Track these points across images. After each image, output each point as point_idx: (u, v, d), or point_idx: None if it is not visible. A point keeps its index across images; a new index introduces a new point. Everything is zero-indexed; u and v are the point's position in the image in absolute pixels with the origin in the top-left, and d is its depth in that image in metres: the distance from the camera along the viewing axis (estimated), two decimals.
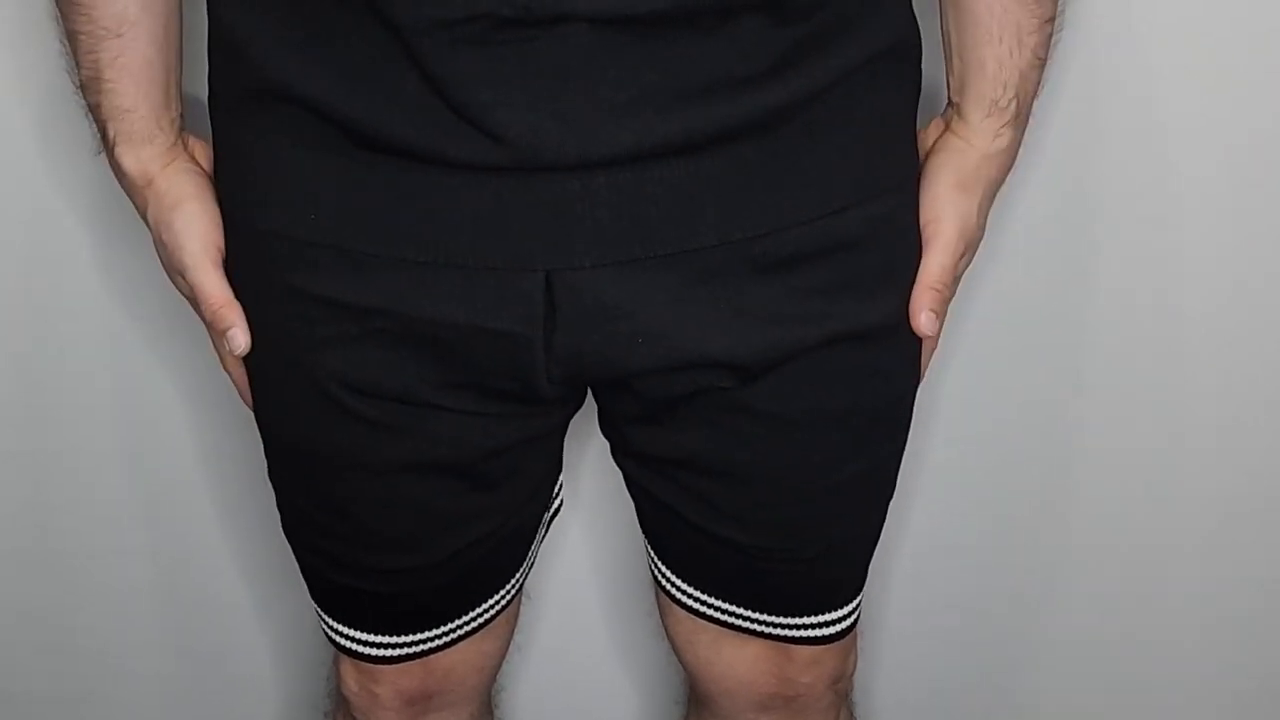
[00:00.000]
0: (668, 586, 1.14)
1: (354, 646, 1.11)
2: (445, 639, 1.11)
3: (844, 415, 1.01)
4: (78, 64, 0.98)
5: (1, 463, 1.38)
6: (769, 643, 1.12)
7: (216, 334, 1.00)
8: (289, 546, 1.11)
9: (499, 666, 1.21)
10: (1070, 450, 1.38)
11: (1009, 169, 1.04)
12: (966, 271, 1.05)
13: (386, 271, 0.91)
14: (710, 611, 1.12)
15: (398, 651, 1.10)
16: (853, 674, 1.19)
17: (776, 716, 1.16)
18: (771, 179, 0.91)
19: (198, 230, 0.98)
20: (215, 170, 1.00)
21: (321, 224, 0.92)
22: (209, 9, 0.95)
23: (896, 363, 1.03)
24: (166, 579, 1.45)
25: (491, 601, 1.12)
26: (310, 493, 1.05)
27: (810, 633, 1.11)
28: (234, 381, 1.05)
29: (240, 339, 0.98)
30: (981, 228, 1.03)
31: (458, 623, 1.10)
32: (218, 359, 1.04)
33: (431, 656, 1.11)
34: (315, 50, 0.88)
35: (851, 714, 1.24)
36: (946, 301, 1.01)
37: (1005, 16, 0.96)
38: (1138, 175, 1.24)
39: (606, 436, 1.08)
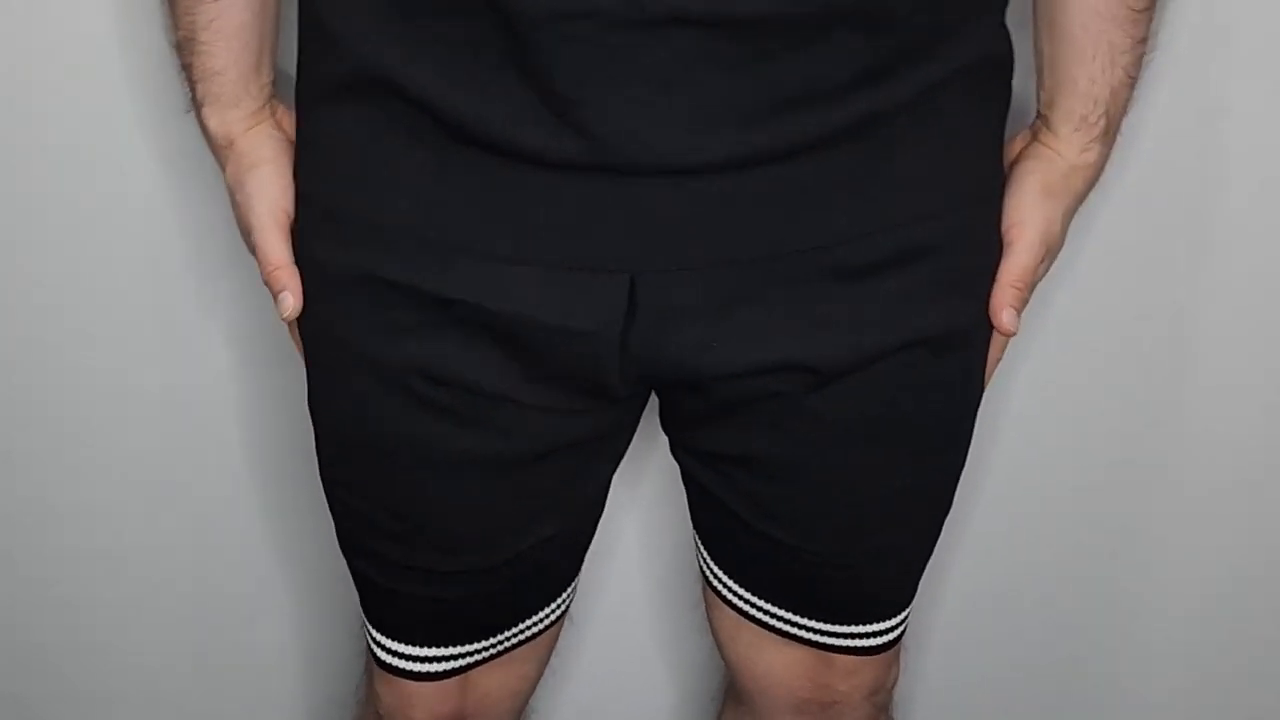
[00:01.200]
0: (714, 583, 1.15)
1: (396, 662, 1.11)
2: (492, 651, 1.11)
3: (908, 425, 1.01)
4: (174, 24, 0.98)
5: (34, 457, 1.37)
6: (810, 648, 1.12)
7: (271, 293, 1.00)
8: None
9: (533, 691, 1.21)
10: (1130, 472, 1.37)
11: (1094, 184, 1.04)
12: (1041, 283, 1.04)
13: (468, 264, 0.91)
14: (754, 612, 1.13)
15: (440, 667, 1.10)
16: (893, 687, 1.19)
17: None
18: (857, 186, 0.91)
19: (268, 193, 0.99)
20: (298, 155, 1.00)
21: (406, 212, 0.91)
22: None
23: (963, 375, 1.03)
24: (188, 585, 1.45)
25: (541, 615, 1.12)
26: (371, 491, 1.04)
27: (852, 642, 1.11)
28: (295, 339, 1.05)
29: (291, 302, 0.98)
30: (1062, 238, 1.03)
31: (508, 634, 1.10)
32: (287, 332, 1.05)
33: (472, 674, 1.11)
34: (412, 39, 0.87)
35: None
36: (1026, 301, 1.01)
37: (1100, 36, 0.96)
38: (1219, 193, 1.23)
39: (666, 432, 1.08)
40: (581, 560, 1.13)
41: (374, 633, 1.11)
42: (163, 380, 1.33)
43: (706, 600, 1.18)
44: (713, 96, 0.86)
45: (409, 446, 0.99)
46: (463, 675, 1.11)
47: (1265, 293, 1.27)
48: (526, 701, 1.21)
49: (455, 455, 0.99)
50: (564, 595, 1.13)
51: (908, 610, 1.13)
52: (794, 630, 1.11)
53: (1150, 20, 0.97)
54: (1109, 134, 1.01)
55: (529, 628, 1.12)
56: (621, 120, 0.85)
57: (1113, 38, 0.96)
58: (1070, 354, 1.30)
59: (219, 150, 1.02)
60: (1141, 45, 0.98)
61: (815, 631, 1.11)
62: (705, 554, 1.15)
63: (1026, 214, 1.00)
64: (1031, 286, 1.02)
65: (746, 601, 1.13)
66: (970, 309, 1.00)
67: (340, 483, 1.06)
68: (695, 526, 1.14)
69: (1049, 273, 1.05)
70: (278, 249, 0.98)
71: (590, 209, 0.89)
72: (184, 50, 0.99)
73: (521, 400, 0.96)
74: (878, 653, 1.12)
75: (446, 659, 1.09)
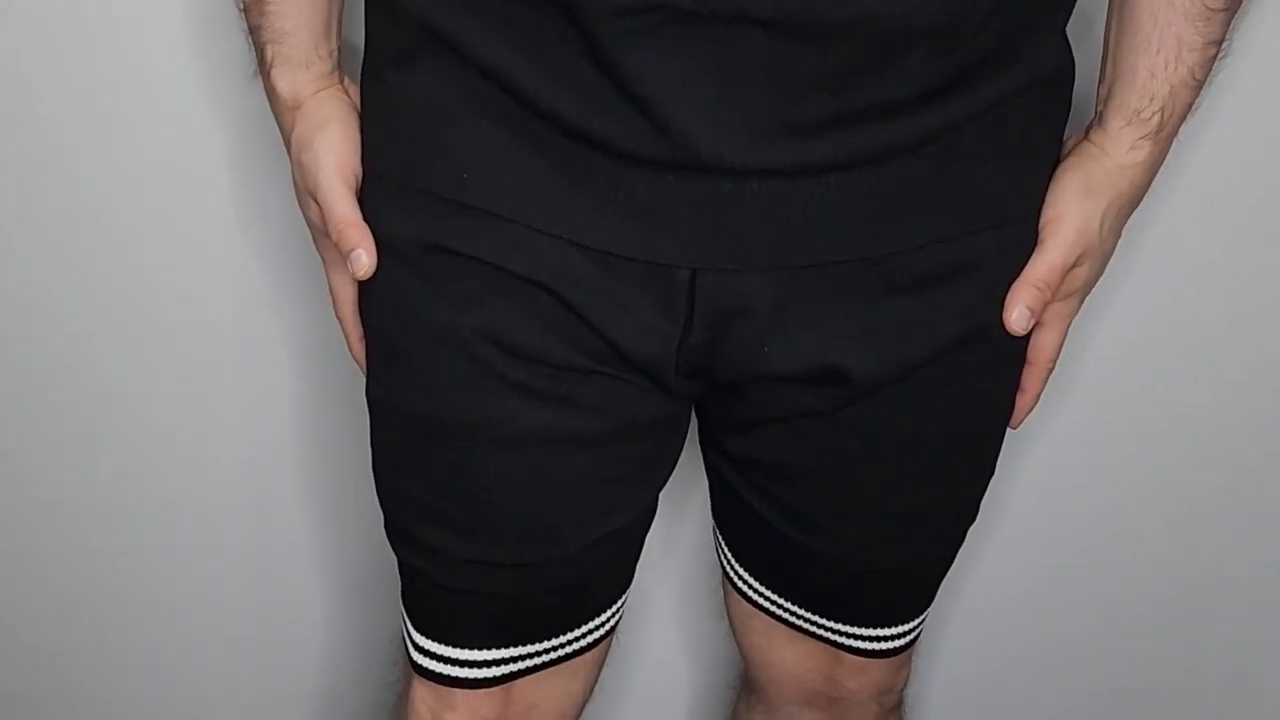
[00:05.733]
0: (731, 575, 1.15)
1: (437, 667, 1.06)
2: (540, 660, 1.07)
3: (941, 438, 1.01)
4: None
5: (37, 457, 1.36)
6: (820, 643, 1.13)
7: (341, 254, 0.96)
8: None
9: (580, 712, 1.16)
10: (1143, 482, 1.38)
11: (1144, 186, 0.99)
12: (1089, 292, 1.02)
13: (534, 241, 0.90)
14: (768, 605, 1.13)
15: (486, 672, 1.06)
16: (903, 688, 1.19)
17: (819, 715, 1.18)
18: (916, 199, 0.90)
19: (336, 152, 0.97)
20: (364, 128, 0.97)
21: (473, 185, 0.90)
22: None
23: (999, 389, 1.02)
24: (193, 586, 1.44)
25: (591, 625, 1.09)
26: (435, 476, 1.00)
27: (863, 644, 1.12)
28: (346, 331, 1.03)
29: (365, 260, 0.95)
30: (1107, 241, 0.99)
31: (557, 640, 1.07)
32: (333, 310, 1.02)
33: (516, 685, 1.07)
34: (485, 17, 0.86)
35: None
36: (1046, 304, 0.97)
37: (1167, 29, 0.93)
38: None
39: (700, 429, 1.07)
40: (634, 569, 1.11)
41: (416, 636, 1.07)
42: (167, 379, 1.32)
43: (724, 587, 1.18)
44: (779, 101, 0.85)
45: (480, 425, 0.96)
46: (507, 685, 1.07)
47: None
48: None
49: (529, 432, 0.96)
50: (615, 607, 1.10)
51: (924, 616, 1.13)
52: (806, 625, 1.12)
53: (1227, 22, 0.93)
54: (1161, 134, 0.96)
55: (578, 638, 1.08)
56: (687, 117, 0.84)
57: (1182, 33, 0.93)
58: (1097, 364, 1.30)
59: (285, 113, 1.00)
60: (1213, 47, 0.94)
61: (827, 629, 1.11)
62: (725, 548, 1.15)
63: (1063, 210, 0.96)
64: (1075, 300, 1.00)
65: (761, 595, 1.13)
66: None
67: (399, 469, 1.02)
68: (716, 521, 1.14)
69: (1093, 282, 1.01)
70: (347, 206, 0.96)
71: (655, 202, 0.88)
72: (252, 12, 0.97)
73: (593, 371, 0.94)
74: (888, 656, 1.13)
75: (493, 664, 1.06)
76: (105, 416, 1.34)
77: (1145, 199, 1.01)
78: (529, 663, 1.07)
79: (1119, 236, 1.01)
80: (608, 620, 1.11)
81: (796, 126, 0.85)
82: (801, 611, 1.11)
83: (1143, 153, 0.97)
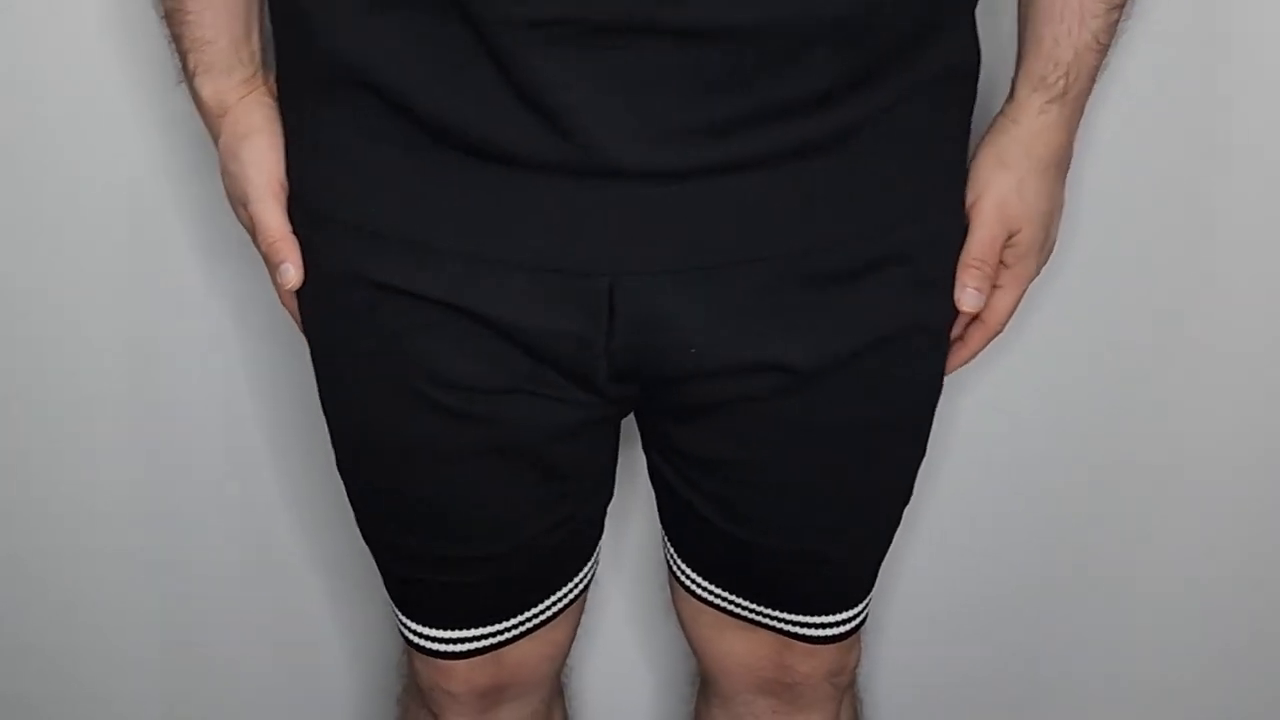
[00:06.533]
0: (677, 572, 1.16)
1: (428, 644, 1.11)
2: (518, 630, 1.11)
3: (874, 427, 1.01)
4: None
5: (37, 456, 1.36)
6: (769, 632, 1.13)
7: (271, 267, 0.98)
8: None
9: (569, 651, 1.21)
10: (1080, 451, 1.37)
11: (1062, 147, 1.01)
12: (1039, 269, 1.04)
13: (452, 266, 0.91)
14: (715, 600, 1.14)
15: (470, 646, 1.10)
16: (854, 668, 1.20)
17: (774, 702, 1.18)
18: (831, 193, 0.91)
19: (263, 162, 0.97)
20: (285, 148, 0.98)
21: (388, 214, 0.91)
22: None
23: (928, 375, 1.03)
24: (196, 585, 1.45)
25: (561, 593, 1.12)
26: (384, 485, 1.04)
27: (812, 631, 1.12)
28: (293, 315, 1.04)
29: (293, 274, 0.96)
30: (1040, 204, 1.00)
31: (530, 614, 1.11)
32: (278, 298, 1.04)
33: (504, 649, 1.11)
34: (391, 37, 0.87)
35: (855, 704, 1.24)
36: (989, 279, 0.99)
37: None
38: (1189, 171, 1.22)
39: (640, 428, 1.09)
40: (598, 537, 1.13)
41: (402, 617, 1.12)
42: (167, 374, 1.33)
43: (671, 585, 1.19)
44: (691, 104, 0.85)
45: (416, 443, 0.99)
46: (497, 652, 1.11)
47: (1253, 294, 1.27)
48: (564, 660, 1.21)
49: (462, 448, 0.99)
50: (585, 569, 1.13)
51: (868, 599, 1.14)
52: (754, 616, 1.12)
53: None
54: (1068, 97, 0.99)
55: (554, 604, 1.12)
56: (598, 124, 0.85)
57: (1084, 1, 0.95)
58: (1029, 348, 1.30)
59: (212, 120, 1.01)
60: (1116, 12, 0.96)
61: (776, 619, 1.12)
62: (670, 546, 1.16)
63: (980, 188, 0.99)
64: (1027, 257, 1.01)
65: (708, 591, 1.14)
66: (938, 313, 1.00)
67: (355, 476, 1.06)
68: (661, 520, 1.15)
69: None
70: (276, 219, 0.97)
71: (569, 213, 0.88)
72: (172, 20, 0.98)
73: (520, 391, 0.96)
74: (837, 641, 1.13)
75: (475, 639, 1.10)
76: (105, 417, 1.35)
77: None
78: (514, 631, 1.11)
79: (1057, 197, 1.02)
80: (585, 576, 1.14)
81: (709, 128, 0.86)
82: (749, 604, 1.12)
83: (1051, 115, 0.99)
